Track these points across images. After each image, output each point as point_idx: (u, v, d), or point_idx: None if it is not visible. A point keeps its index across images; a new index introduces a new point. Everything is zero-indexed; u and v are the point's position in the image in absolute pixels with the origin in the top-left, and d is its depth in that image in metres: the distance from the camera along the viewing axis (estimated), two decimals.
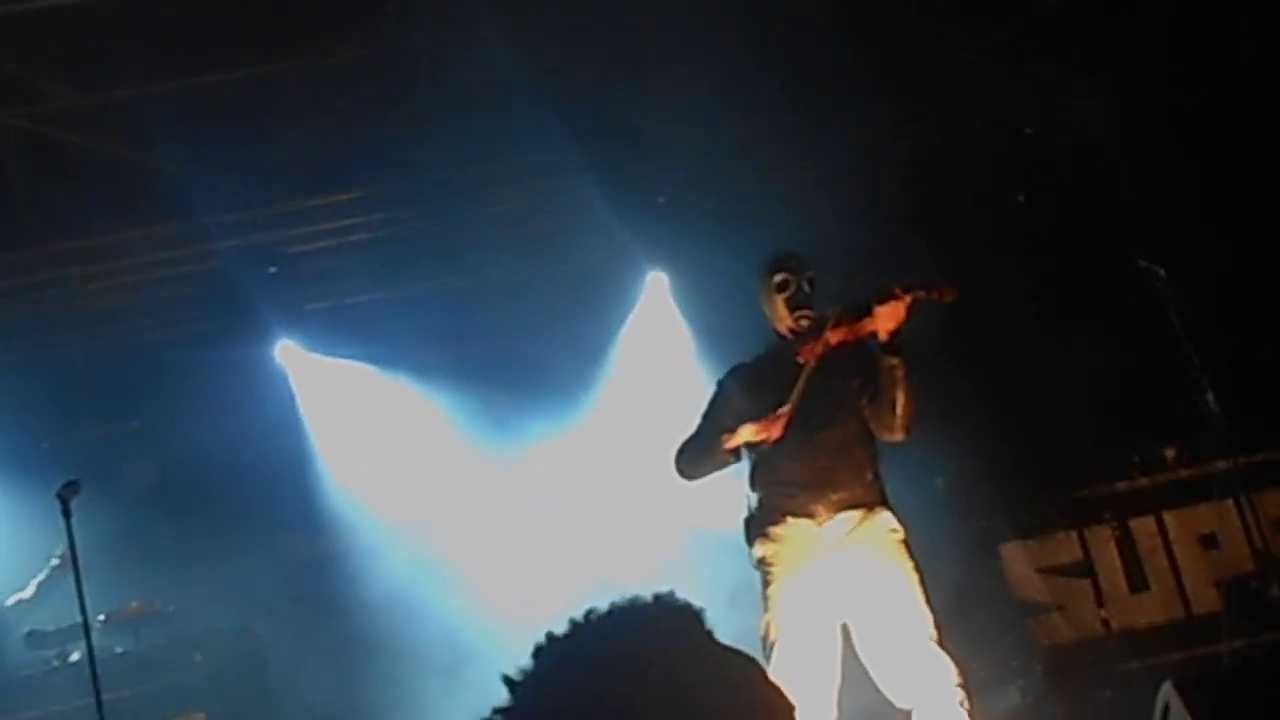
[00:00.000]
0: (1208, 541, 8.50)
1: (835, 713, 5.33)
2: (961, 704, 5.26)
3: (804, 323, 5.67)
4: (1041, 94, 9.18)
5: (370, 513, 9.39)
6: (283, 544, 9.15)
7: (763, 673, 1.49)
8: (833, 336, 5.49)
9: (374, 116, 8.25)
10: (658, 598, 1.51)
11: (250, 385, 9.27)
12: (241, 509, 8.65)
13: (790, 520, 5.53)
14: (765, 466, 5.64)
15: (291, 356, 9.54)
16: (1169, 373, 7.13)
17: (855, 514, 5.53)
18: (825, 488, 5.52)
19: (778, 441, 5.49)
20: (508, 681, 1.47)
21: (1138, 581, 8.51)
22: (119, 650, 7.61)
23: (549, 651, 1.47)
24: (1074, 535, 8.54)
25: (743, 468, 5.80)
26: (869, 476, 5.63)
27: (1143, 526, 8.56)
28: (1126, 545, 8.55)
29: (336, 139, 8.41)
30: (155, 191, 8.17)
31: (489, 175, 8.88)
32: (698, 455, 5.77)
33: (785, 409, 5.45)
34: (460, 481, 9.40)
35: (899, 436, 5.60)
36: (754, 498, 5.73)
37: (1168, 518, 8.55)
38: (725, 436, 5.61)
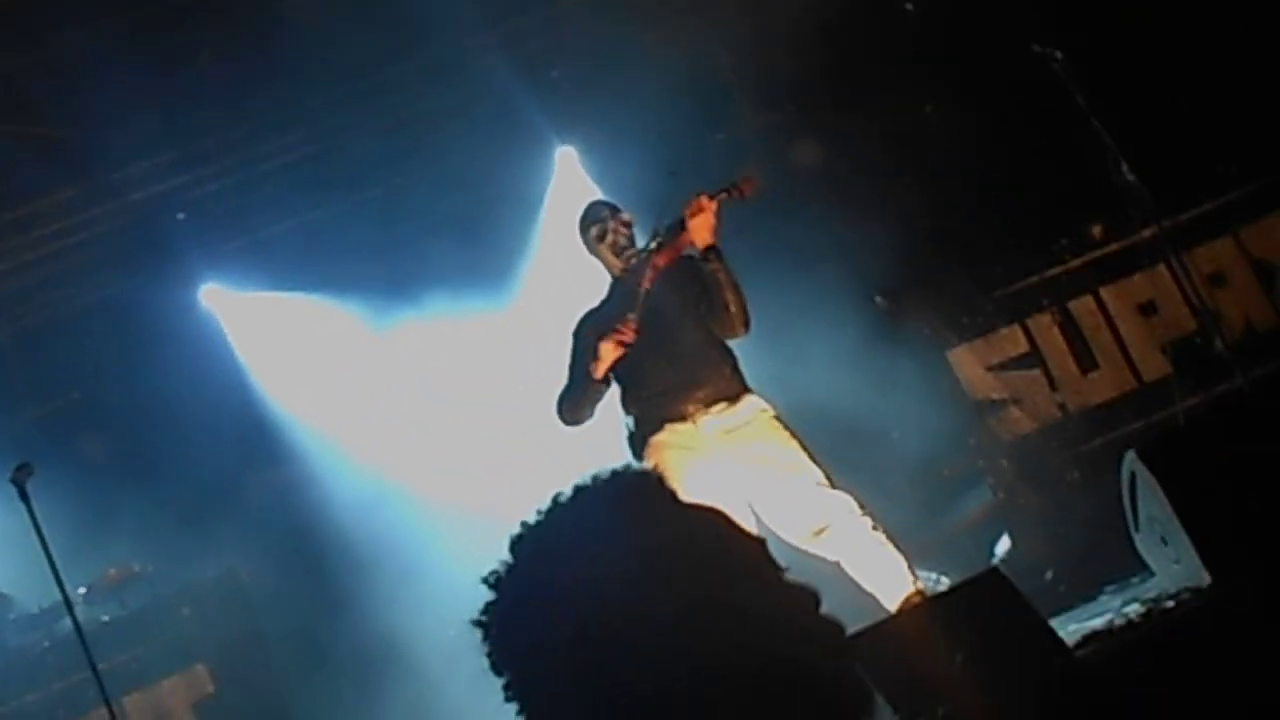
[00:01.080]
0: (1147, 309, 8.62)
1: None
2: (873, 528, 5.66)
3: (632, 261, 6.10)
4: None
5: (323, 435, 9.36)
6: (247, 483, 9.12)
7: (728, 519, 1.51)
8: (659, 260, 5.94)
9: (250, 43, 8.12)
10: (615, 471, 1.52)
11: (182, 334, 9.18)
12: (198, 458, 8.61)
13: (668, 426, 5.89)
14: (633, 385, 6.02)
15: (217, 298, 9.45)
16: (1080, 152, 7.18)
17: (722, 405, 5.86)
18: (690, 388, 5.86)
19: (635, 340, 5.85)
20: (489, 580, 1.48)
21: (1086, 361, 8.64)
22: (105, 619, 7.62)
23: (525, 542, 1.49)
24: (1017, 328, 8.64)
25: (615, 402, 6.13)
26: (727, 371, 5.98)
27: (1082, 306, 8.66)
28: (1069, 328, 8.67)
29: (220, 73, 8.27)
30: (52, 158, 8.02)
31: (376, 84, 8.77)
32: (574, 398, 6.13)
33: (630, 317, 5.82)
34: (399, 388, 9.36)
35: (740, 332, 6.00)
36: (630, 418, 6.09)
37: (1105, 293, 8.66)
38: (592, 366, 5.96)
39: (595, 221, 6.24)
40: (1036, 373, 8.60)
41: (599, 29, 9.16)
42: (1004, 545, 7.95)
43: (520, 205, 9.68)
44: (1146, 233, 7.89)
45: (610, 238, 6.16)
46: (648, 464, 5.87)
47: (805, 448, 5.81)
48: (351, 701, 8.09)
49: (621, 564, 1.41)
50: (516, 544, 1.49)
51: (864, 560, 5.62)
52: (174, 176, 8.82)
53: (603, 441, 6.29)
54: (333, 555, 8.72)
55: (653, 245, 6.02)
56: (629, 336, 5.82)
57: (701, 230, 5.82)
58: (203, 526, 8.12)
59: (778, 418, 5.89)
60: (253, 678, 7.56)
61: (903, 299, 8.57)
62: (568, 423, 6.19)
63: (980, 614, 4.92)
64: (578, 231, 6.33)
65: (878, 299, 8.58)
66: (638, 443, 5.99)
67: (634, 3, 9.12)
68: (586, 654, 1.36)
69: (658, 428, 5.90)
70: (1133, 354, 8.61)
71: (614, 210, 6.28)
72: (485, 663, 1.46)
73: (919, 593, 5.57)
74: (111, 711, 6.26)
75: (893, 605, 5.54)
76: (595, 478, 1.52)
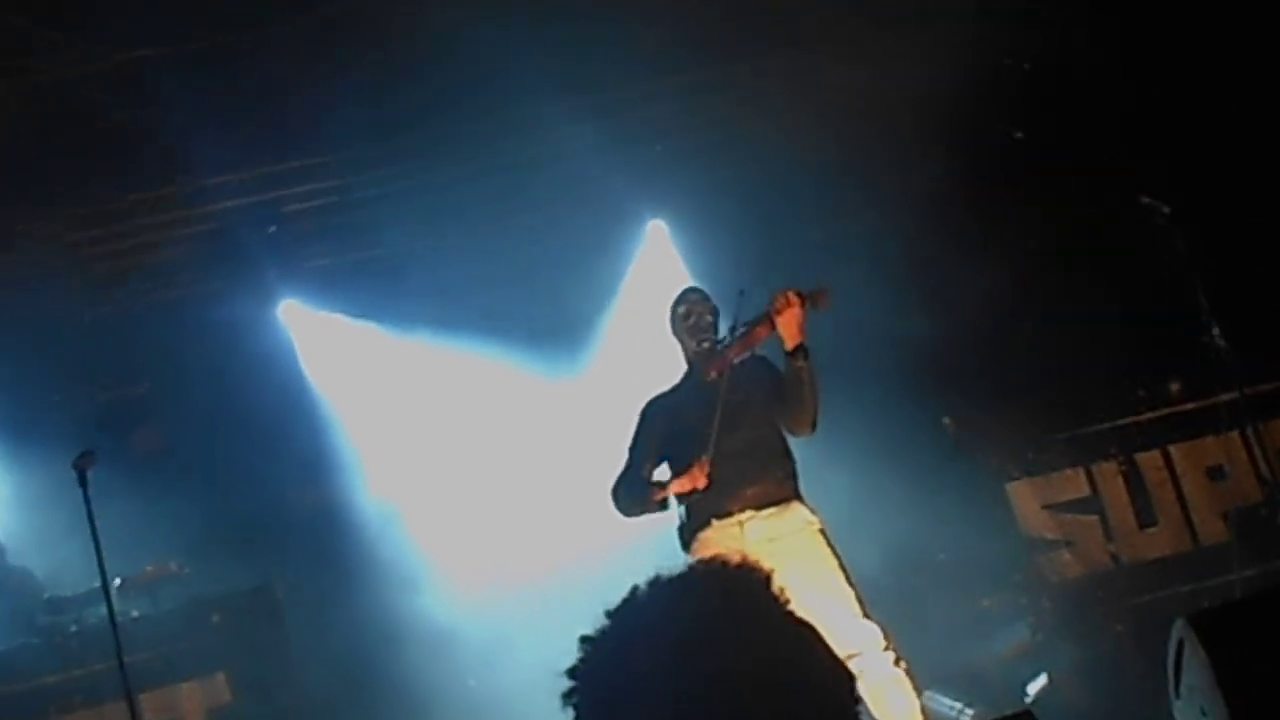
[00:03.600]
0: (1214, 473, 8.53)
1: None
2: (895, 663, 5.73)
3: (705, 345, 6.25)
4: (1038, 28, 9.12)
5: (378, 463, 9.41)
6: (294, 500, 9.18)
7: (824, 642, 1.51)
8: (733, 353, 6.06)
9: (368, 73, 8.24)
10: (726, 564, 1.53)
11: (255, 344, 9.28)
12: (252, 467, 8.68)
13: (714, 522, 5.97)
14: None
15: (295, 314, 9.55)
16: (1173, 308, 7.16)
17: (771, 510, 5.96)
18: (741, 486, 5.94)
19: (705, 489, 5.91)
20: (584, 639, 1.49)
21: (1146, 515, 8.56)
22: (135, 614, 7.64)
23: (625, 613, 1.49)
24: (1081, 472, 8.58)
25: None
26: (780, 475, 6.06)
27: (1149, 460, 8.59)
28: (1134, 480, 8.59)
29: (333, 97, 8.39)
30: (156, 155, 8.17)
31: (485, 130, 8.87)
32: (631, 501, 6.27)
33: (705, 459, 5.90)
34: (463, 429, 9.41)
35: (808, 432, 6.12)
36: (682, 508, 6.15)
37: (1174, 451, 8.59)
38: (655, 491, 6.12)
39: (683, 302, 6.42)
40: (1094, 519, 8.53)
41: (710, 108, 9.23)
42: (1038, 685, 7.84)
43: (604, 271, 9.73)
44: (1226, 397, 7.84)
45: (694, 320, 6.32)
46: (689, 557, 5.94)
47: (844, 568, 5.88)
48: None
49: (720, 659, 1.41)
50: (615, 612, 1.49)
51: (880, 693, 5.70)
52: (272, 188, 8.96)
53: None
54: (373, 584, 8.75)
55: (730, 337, 6.14)
56: (701, 483, 5.90)
57: (790, 326, 5.90)
58: (246, 536, 8.18)
59: (823, 531, 5.97)
60: (272, 693, 7.54)
61: (971, 424, 8.53)
62: (619, 512, 6.32)
63: None
64: (668, 309, 6.48)
65: (946, 420, 8.55)
66: (686, 535, 6.09)
67: (749, 88, 9.19)
68: None
69: (705, 523, 5.99)
70: (1194, 515, 8.52)
71: (703, 297, 6.45)
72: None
73: None
74: (132, 705, 6.27)
75: None
76: (710, 565, 1.52)
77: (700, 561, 1.54)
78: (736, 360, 6.07)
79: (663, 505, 6.16)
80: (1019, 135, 9.36)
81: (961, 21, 8.71)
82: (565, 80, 8.38)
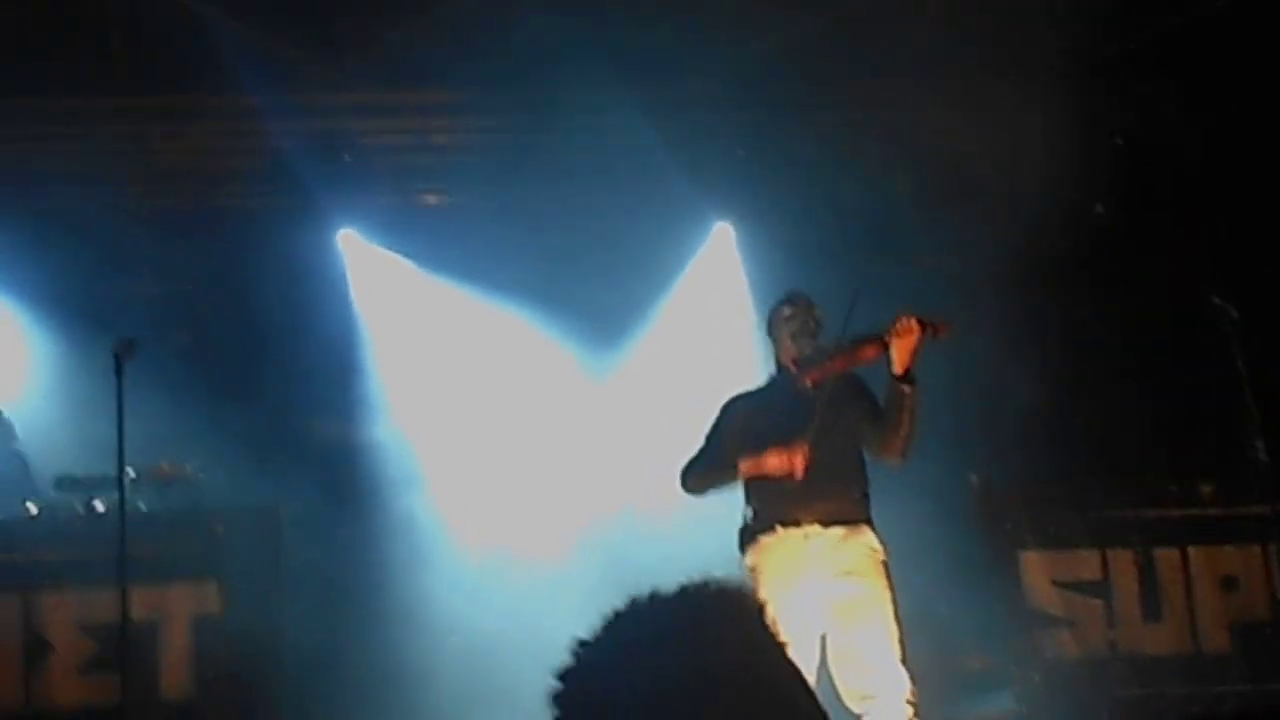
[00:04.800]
0: (1228, 583, 8.46)
1: None
2: (912, 717, 5.67)
3: (806, 350, 6.07)
4: (1139, 106, 9.07)
5: (406, 408, 9.44)
6: (317, 427, 9.22)
7: (807, 685, 1.50)
8: (835, 366, 5.89)
9: (471, 20, 8.27)
10: (723, 586, 1.52)
11: (306, 267, 9.31)
12: (283, 386, 8.72)
13: (779, 529, 5.87)
14: (764, 485, 5.93)
15: (352, 245, 9.57)
16: (1223, 412, 7.13)
17: (840, 530, 5.87)
18: (815, 499, 5.83)
19: (797, 479, 5.79)
20: (578, 643, 1.49)
21: (1151, 610, 8.49)
22: (142, 508, 7.67)
23: (622, 623, 1.49)
24: (1097, 554, 8.51)
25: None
26: (856, 495, 5.99)
27: (1166, 557, 8.52)
28: (1147, 572, 8.52)
29: (429, 37, 8.43)
30: (246, 63, 8.20)
31: (571, 102, 8.87)
32: (707, 474, 6.14)
33: (805, 447, 5.77)
34: (495, 394, 9.44)
35: (898, 459, 6.02)
36: (749, 509, 6.06)
37: (1193, 552, 8.52)
38: (746, 464, 5.94)
39: (790, 304, 6.26)
40: (1099, 603, 8.46)
41: (799, 125, 9.21)
42: None
43: (663, 263, 9.72)
44: (1255, 510, 7.77)
45: (798, 324, 6.14)
46: (747, 559, 5.96)
47: (895, 605, 5.83)
48: (350, 662, 8.12)
49: (709, 684, 1.40)
50: (613, 621, 1.49)
51: None
52: (355, 117, 9.00)
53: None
54: (375, 524, 8.78)
55: (833, 348, 5.97)
56: (799, 469, 5.77)
57: (904, 352, 5.77)
58: (265, 455, 8.18)
59: (885, 563, 5.90)
60: (260, 613, 7.55)
61: (996, 487, 8.49)
62: (688, 490, 6.21)
63: None
64: (771, 308, 6.35)
65: (973, 477, 8.50)
66: (747, 536, 6.00)
67: (841, 112, 9.17)
68: None
69: (770, 528, 5.90)
70: (1199, 620, 8.45)
71: (810, 303, 6.26)
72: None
73: None
74: (124, 595, 6.32)
75: None
76: (706, 583, 1.52)
77: (702, 583, 1.52)
78: (837, 370, 5.94)
79: (735, 478, 6.00)
80: (1100, 210, 9.30)
81: (1064, 84, 8.68)
82: (660, 75, 8.40)
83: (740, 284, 9.70)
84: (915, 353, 5.78)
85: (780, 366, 6.25)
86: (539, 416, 9.41)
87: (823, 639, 5.79)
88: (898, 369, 5.80)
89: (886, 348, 5.80)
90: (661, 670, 1.42)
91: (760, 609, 1.53)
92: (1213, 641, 8.42)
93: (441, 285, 9.63)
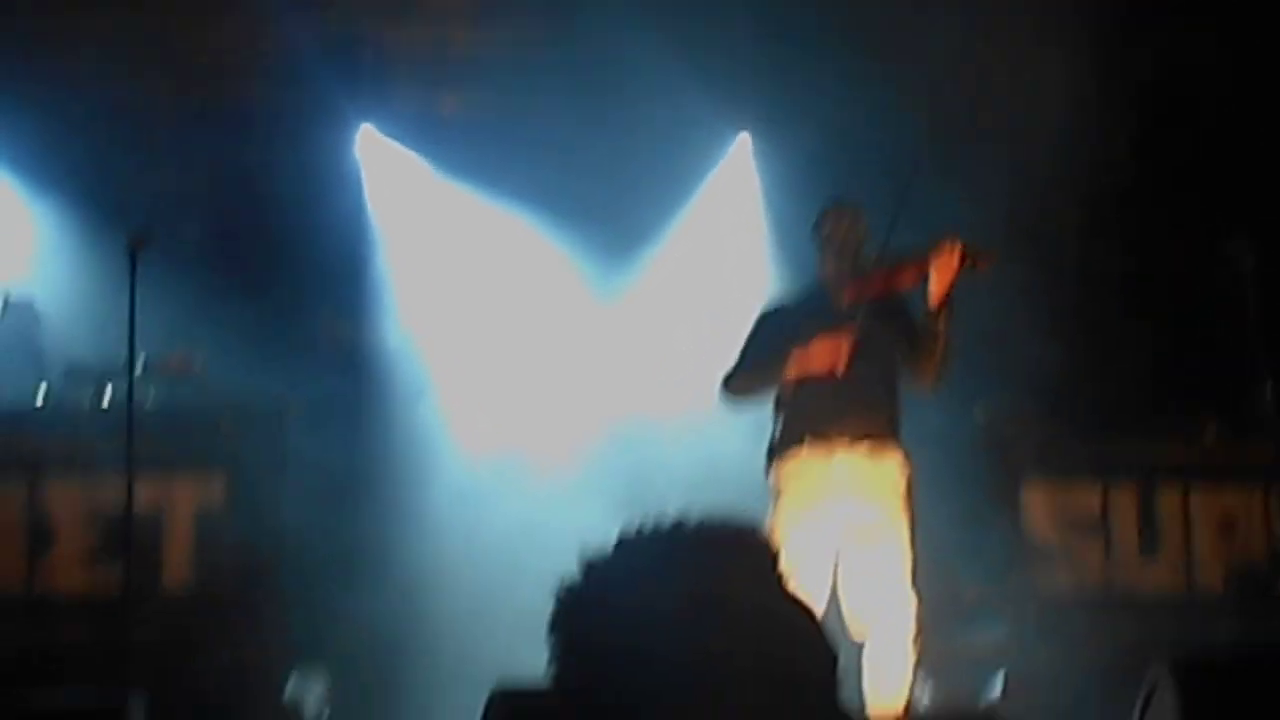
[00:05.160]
0: (1226, 524, 8.50)
1: None
2: (911, 639, 5.81)
3: (846, 265, 6.00)
4: (1163, 50, 8.94)
5: (417, 311, 9.43)
6: (326, 327, 9.22)
7: (819, 627, 1.49)
8: (877, 282, 5.81)
9: None
10: (741, 526, 1.51)
11: (323, 165, 9.27)
12: (294, 284, 8.73)
13: (807, 445, 5.87)
14: (794, 391, 5.92)
15: (370, 142, 9.52)
16: (1232, 357, 7.13)
17: (867, 446, 5.90)
18: (844, 417, 5.87)
19: (842, 375, 5.75)
20: (584, 566, 1.47)
21: (1149, 547, 8.54)
22: (149, 401, 7.69)
23: (631, 547, 1.47)
24: (1098, 488, 8.54)
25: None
26: (886, 416, 6.01)
27: (1168, 495, 8.56)
28: (1147, 509, 8.57)
29: None
30: None
31: (599, 8, 8.79)
32: (752, 373, 6.04)
33: (850, 339, 5.71)
34: (506, 303, 9.43)
35: (930, 385, 6.02)
36: (778, 422, 6.06)
37: (1194, 492, 8.55)
38: (795, 355, 5.82)
39: (832, 213, 6.16)
40: (1098, 539, 8.52)
41: (834, 31, 9.06)
42: (995, 690, 7.90)
43: (682, 175, 9.65)
44: (1259, 452, 7.77)
45: (840, 237, 6.06)
46: (771, 476, 6.00)
47: (914, 528, 5.93)
48: (354, 560, 8.20)
49: (711, 626, 1.40)
50: (622, 544, 1.48)
51: (881, 666, 5.77)
52: (378, 18, 8.95)
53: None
54: (384, 425, 8.83)
55: (875, 267, 5.92)
56: (842, 369, 5.74)
57: (943, 283, 5.74)
58: (274, 351, 8.18)
59: (909, 488, 5.97)
60: (264, 509, 7.60)
61: (1003, 420, 8.49)
62: (730, 391, 6.14)
63: None
64: (818, 214, 6.22)
65: (978, 408, 8.51)
66: (775, 451, 6.01)
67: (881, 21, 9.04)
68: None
69: (799, 439, 5.91)
70: (1195, 559, 8.51)
71: (858, 214, 6.16)
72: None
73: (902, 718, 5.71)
74: (130, 486, 6.36)
75: (870, 711, 5.72)
76: (726, 523, 1.50)
77: (703, 521, 1.51)
78: (878, 289, 5.89)
79: (780, 373, 5.92)
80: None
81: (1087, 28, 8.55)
82: None
83: (756, 197, 9.64)
84: (954, 283, 5.74)
85: (821, 277, 6.19)
86: (549, 328, 9.40)
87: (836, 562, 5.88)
88: (934, 301, 5.80)
89: (926, 276, 5.75)
90: (668, 600, 1.42)
91: (774, 554, 1.52)
92: (1207, 582, 8.47)
93: (457, 190, 9.57)
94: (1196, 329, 8.23)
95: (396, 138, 9.49)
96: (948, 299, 5.77)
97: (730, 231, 9.56)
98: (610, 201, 9.20)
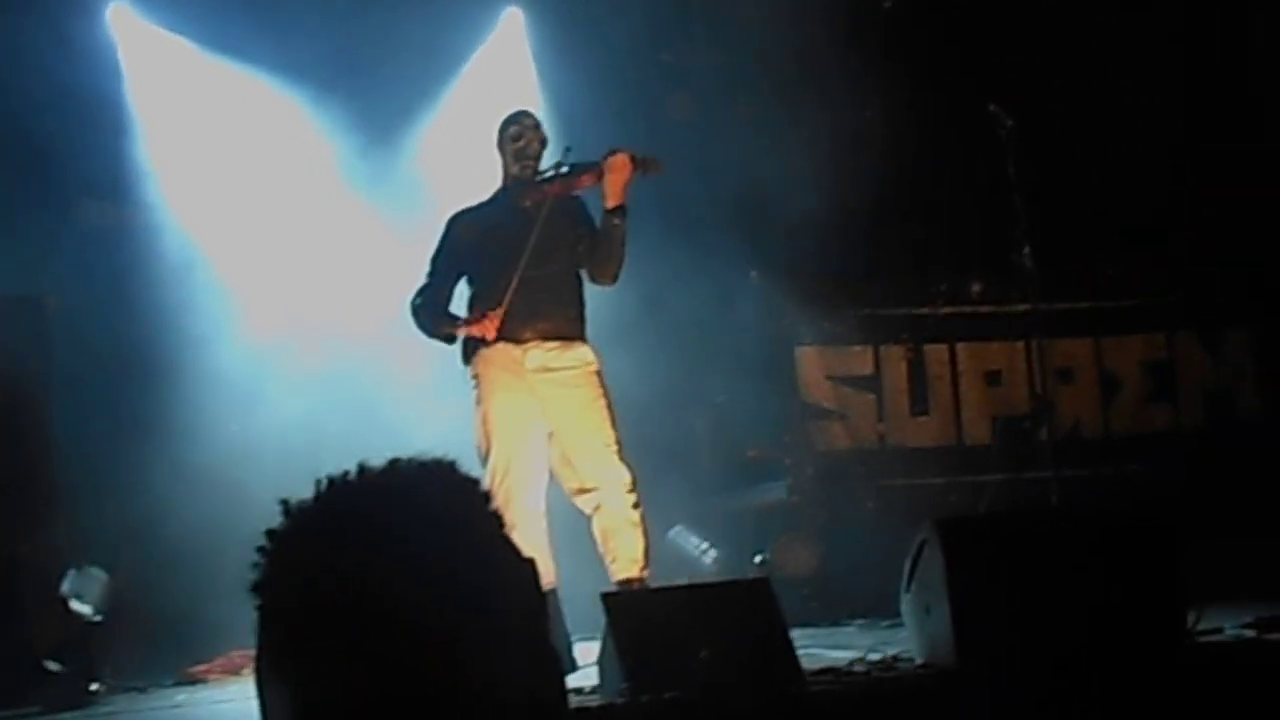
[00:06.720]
0: (992, 378, 8.85)
1: (543, 505, 6.21)
2: (634, 506, 6.13)
3: (528, 172, 6.39)
4: None
5: (172, 191, 9.09)
6: (79, 209, 8.82)
7: (534, 571, 1.49)
8: (554, 188, 6.23)
9: None
10: (436, 462, 1.49)
11: (76, 43, 8.79)
12: (44, 170, 8.31)
13: (501, 344, 6.19)
14: (483, 295, 6.30)
15: (125, 20, 9.08)
16: (993, 214, 7.36)
17: (555, 344, 6.26)
18: (533, 318, 6.20)
19: (493, 341, 6.16)
20: (284, 510, 1.43)
21: (919, 404, 8.85)
22: None
23: (335, 494, 1.44)
24: (869, 349, 8.80)
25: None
26: (572, 313, 6.36)
27: (935, 353, 8.86)
28: (916, 367, 8.86)
29: None
30: None
31: None
32: (423, 328, 6.43)
33: (498, 311, 6.09)
34: (263, 178, 9.15)
35: (609, 283, 6.39)
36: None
37: (960, 349, 8.87)
38: (447, 325, 6.34)
39: (515, 123, 6.54)
40: (871, 398, 8.79)
41: None
42: (760, 558, 8.15)
43: (450, 50, 9.45)
44: (1020, 308, 8.06)
45: (523, 143, 6.44)
46: (470, 370, 6.32)
47: (611, 410, 6.23)
48: (125, 458, 8.00)
49: (422, 561, 1.38)
50: (324, 492, 1.44)
51: (611, 531, 6.10)
52: None
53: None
54: (143, 305, 8.55)
55: (553, 173, 6.31)
56: (490, 334, 6.12)
57: (616, 185, 6.15)
58: (25, 242, 7.82)
59: (599, 373, 6.30)
60: (29, 409, 7.35)
61: (777, 283, 8.64)
62: (417, 325, 6.46)
63: (737, 617, 5.07)
64: (500, 125, 6.56)
65: (753, 274, 8.64)
66: (470, 349, 6.31)
67: None
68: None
69: (493, 341, 6.19)
70: (964, 414, 8.84)
71: (536, 124, 6.57)
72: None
73: (642, 580, 6.06)
74: None
75: (615, 578, 6.07)
76: (434, 463, 1.48)
77: (416, 459, 1.48)
78: (556, 194, 6.24)
79: (450, 340, 6.35)
80: (887, 3, 9.32)
81: None
82: None
83: (530, 74, 9.50)
84: (626, 186, 6.13)
85: (505, 185, 6.50)
86: (312, 210, 9.14)
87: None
88: (609, 202, 6.18)
89: (601, 178, 6.16)
90: (371, 543, 1.39)
91: (476, 485, 1.50)
92: (974, 434, 8.83)
93: (219, 65, 9.21)
94: (959, 191, 8.42)
95: (152, 13, 9.07)
96: (623, 200, 6.16)
97: (501, 109, 9.38)
98: (375, 80, 8.98)
